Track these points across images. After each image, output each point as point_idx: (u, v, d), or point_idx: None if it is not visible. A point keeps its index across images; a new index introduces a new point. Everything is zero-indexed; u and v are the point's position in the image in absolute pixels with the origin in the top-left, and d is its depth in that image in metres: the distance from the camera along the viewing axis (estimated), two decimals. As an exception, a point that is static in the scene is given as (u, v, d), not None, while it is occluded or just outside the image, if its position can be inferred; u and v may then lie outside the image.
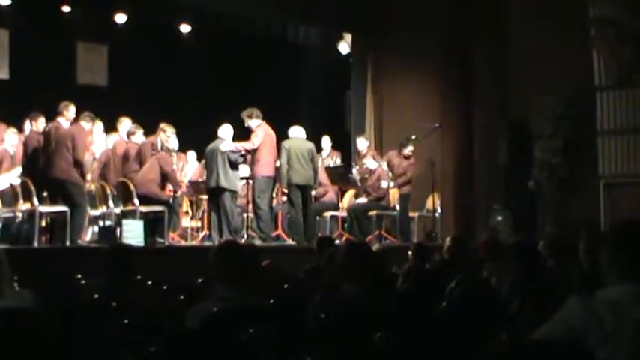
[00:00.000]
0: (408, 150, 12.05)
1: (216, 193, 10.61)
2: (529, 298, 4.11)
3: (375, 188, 12.05)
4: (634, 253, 2.78)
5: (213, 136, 10.96)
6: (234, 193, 10.71)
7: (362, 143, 12.76)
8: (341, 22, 14.27)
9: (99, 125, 11.09)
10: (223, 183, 10.51)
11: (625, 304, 2.67)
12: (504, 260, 5.26)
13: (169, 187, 10.96)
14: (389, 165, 12.22)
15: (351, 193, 12.89)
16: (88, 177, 10.58)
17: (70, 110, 9.61)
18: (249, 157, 10.88)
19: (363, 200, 12.24)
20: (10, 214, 9.65)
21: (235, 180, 10.70)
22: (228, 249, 4.23)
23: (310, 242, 9.75)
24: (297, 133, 11.10)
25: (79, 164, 9.49)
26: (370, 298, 4.07)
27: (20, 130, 10.68)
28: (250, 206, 10.96)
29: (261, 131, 10.77)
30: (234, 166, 10.67)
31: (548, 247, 5.29)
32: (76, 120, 9.75)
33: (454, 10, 12.55)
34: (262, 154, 10.73)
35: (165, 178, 10.34)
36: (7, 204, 9.69)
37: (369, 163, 12.22)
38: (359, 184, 12.49)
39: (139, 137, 10.96)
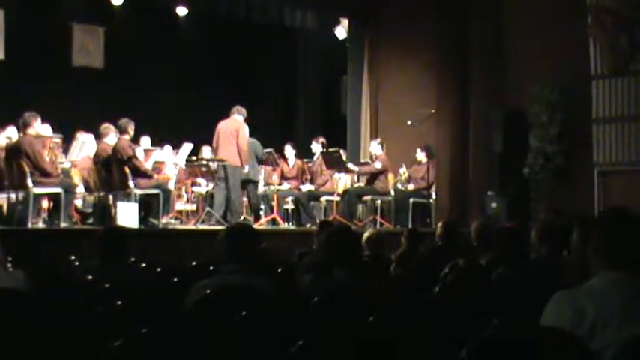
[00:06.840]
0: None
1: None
2: (519, 285, 4.12)
3: (373, 169, 12.13)
4: (614, 241, 2.78)
5: (209, 117, 10.95)
6: None
7: (376, 148, 12.43)
8: (338, 6, 14.23)
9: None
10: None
11: (605, 292, 2.67)
12: (496, 247, 5.28)
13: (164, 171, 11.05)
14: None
15: (346, 177, 12.90)
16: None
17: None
18: None
19: (361, 185, 12.28)
20: (4, 195, 9.64)
21: None
22: (240, 230, 4.54)
23: None
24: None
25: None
26: (359, 282, 4.10)
27: None
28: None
29: None
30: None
31: (540, 235, 5.29)
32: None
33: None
34: None
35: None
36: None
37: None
38: (355, 169, 12.50)
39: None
